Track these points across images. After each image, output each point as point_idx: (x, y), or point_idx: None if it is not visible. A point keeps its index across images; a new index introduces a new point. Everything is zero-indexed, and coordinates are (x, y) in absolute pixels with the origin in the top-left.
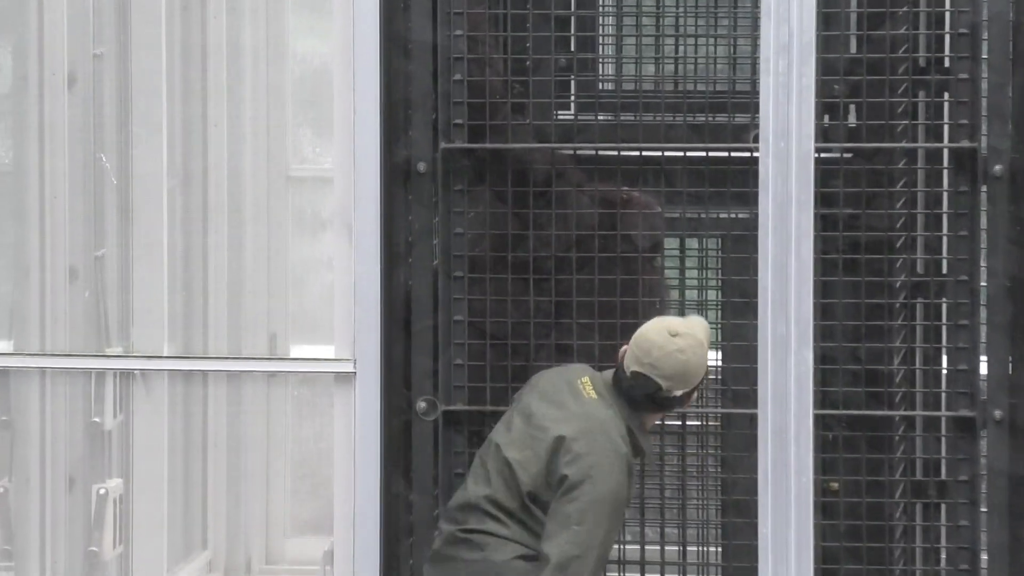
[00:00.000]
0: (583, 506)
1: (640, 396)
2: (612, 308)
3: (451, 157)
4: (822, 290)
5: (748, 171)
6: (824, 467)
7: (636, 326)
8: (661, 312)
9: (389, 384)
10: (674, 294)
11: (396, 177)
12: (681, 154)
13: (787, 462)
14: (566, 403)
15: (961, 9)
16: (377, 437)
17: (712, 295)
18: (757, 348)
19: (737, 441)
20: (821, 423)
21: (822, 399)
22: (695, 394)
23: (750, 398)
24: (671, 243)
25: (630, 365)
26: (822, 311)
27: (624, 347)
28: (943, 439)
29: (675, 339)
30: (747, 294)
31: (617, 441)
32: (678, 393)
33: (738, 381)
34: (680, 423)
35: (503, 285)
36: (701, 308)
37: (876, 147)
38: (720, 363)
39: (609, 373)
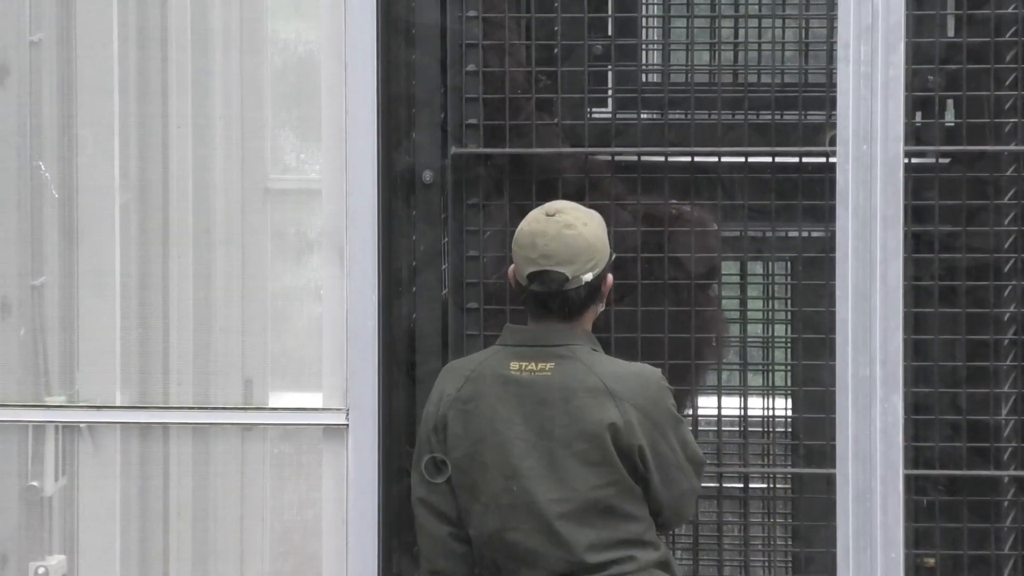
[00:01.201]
0: (680, 447)
1: (553, 303)
2: (658, 346)
3: (463, 165)
4: (914, 324)
5: (823, 180)
6: (917, 539)
7: (687, 369)
8: (718, 351)
9: (389, 439)
10: (733, 329)
11: (397, 189)
12: (742, 160)
13: (872, 533)
14: (539, 409)
15: None
16: (374, 504)
17: (780, 330)
18: (835, 395)
19: (811, 508)
20: (914, 485)
21: (915, 456)
22: (610, 276)
23: (826, 455)
24: (730, 268)
25: (523, 271)
26: (914, 349)
27: (509, 271)
28: None
29: (554, 218)
30: (822, 329)
31: (629, 370)
32: (589, 277)
33: (812, 435)
34: (741, 485)
35: (526, 320)
36: (767, 346)
37: (979, 150)
38: (790, 413)
39: (518, 328)
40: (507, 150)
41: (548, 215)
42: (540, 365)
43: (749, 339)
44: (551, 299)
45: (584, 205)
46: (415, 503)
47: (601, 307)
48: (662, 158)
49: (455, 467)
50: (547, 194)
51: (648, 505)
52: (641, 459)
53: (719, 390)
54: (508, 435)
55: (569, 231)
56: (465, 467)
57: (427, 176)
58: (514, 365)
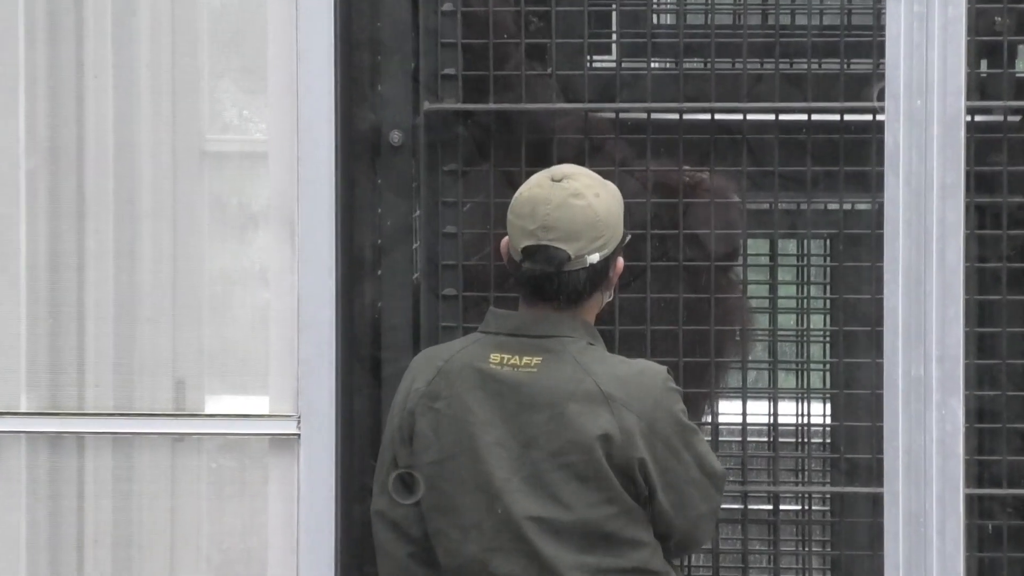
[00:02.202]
0: (693, 461)
1: (549, 287)
2: (671, 341)
3: (439, 123)
4: (977, 314)
5: (870, 142)
6: (982, 571)
7: (705, 368)
8: (742, 346)
9: (349, 452)
10: (761, 320)
11: (359, 153)
12: (771, 118)
13: (927, 564)
14: (522, 412)
15: None
16: (330, 530)
17: (816, 321)
18: (883, 399)
19: (853, 534)
20: (977, 507)
21: (978, 473)
22: (621, 260)
23: (872, 471)
24: (758, 247)
25: (518, 243)
26: (977, 344)
27: (502, 243)
28: None
29: (561, 184)
30: (867, 320)
31: (630, 368)
32: (595, 258)
33: (854, 446)
34: (771, 507)
35: (514, 308)
36: (801, 340)
37: None
38: (829, 421)
39: (504, 314)
40: (491, 106)
41: (554, 180)
42: (525, 360)
43: (780, 332)
44: (547, 281)
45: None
46: (374, 516)
47: (608, 296)
48: (676, 116)
49: (424, 475)
50: (539, 159)
51: (655, 528)
52: (643, 475)
53: (744, 393)
54: (485, 441)
55: (577, 201)
56: (434, 478)
57: (395, 137)
58: (495, 358)
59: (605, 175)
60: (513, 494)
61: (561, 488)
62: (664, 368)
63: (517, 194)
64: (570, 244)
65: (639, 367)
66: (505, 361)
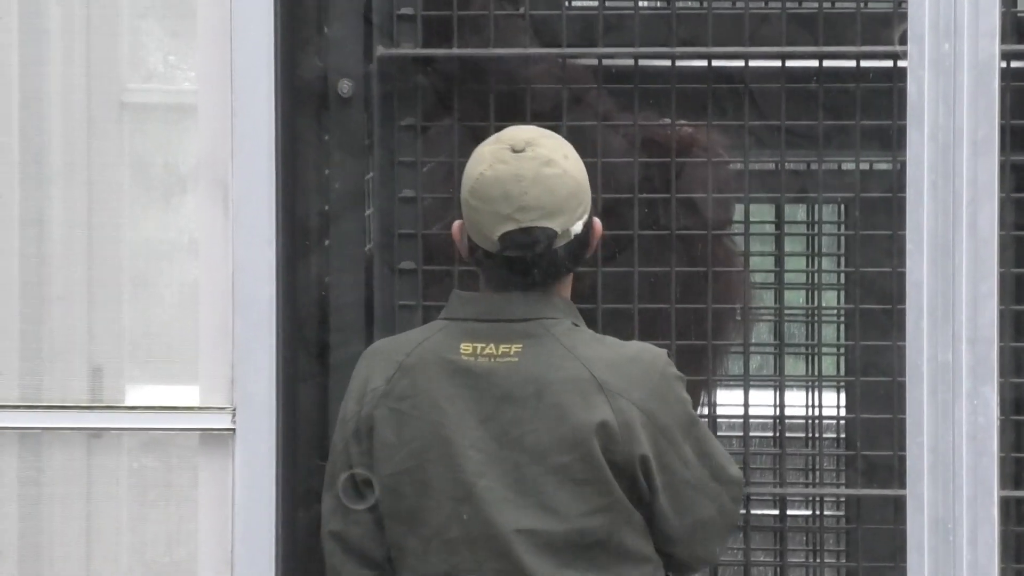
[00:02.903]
0: (695, 459)
1: (534, 270)
2: (662, 321)
3: (395, 71)
4: (1015, 290)
5: (890, 92)
6: None
7: (701, 352)
8: (743, 327)
9: (292, 450)
10: (765, 297)
11: (303, 105)
12: (777, 64)
13: (955, 574)
14: (502, 408)
15: None
16: (271, 540)
17: (829, 298)
18: (905, 387)
19: (872, 542)
20: (1015, 511)
21: (1015, 472)
22: (597, 221)
23: (893, 471)
24: (762, 212)
25: (493, 231)
26: (1015, 324)
27: (454, 228)
28: None
29: (526, 154)
30: (887, 296)
31: (625, 351)
32: (579, 228)
33: (872, 443)
34: (776, 512)
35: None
36: (811, 321)
37: None
38: (843, 413)
39: (472, 297)
40: (455, 51)
41: (515, 150)
42: (502, 348)
43: (787, 311)
44: (532, 265)
45: (558, 127)
46: (327, 539)
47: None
48: (668, 62)
49: (386, 488)
50: (510, 113)
51: (655, 538)
52: (645, 475)
53: (746, 382)
54: (460, 444)
55: (551, 170)
56: (399, 488)
57: (344, 87)
58: (466, 348)
59: (586, 132)
60: (496, 504)
61: (553, 494)
62: (663, 351)
63: (473, 174)
64: (555, 220)
65: (635, 350)
66: (479, 351)
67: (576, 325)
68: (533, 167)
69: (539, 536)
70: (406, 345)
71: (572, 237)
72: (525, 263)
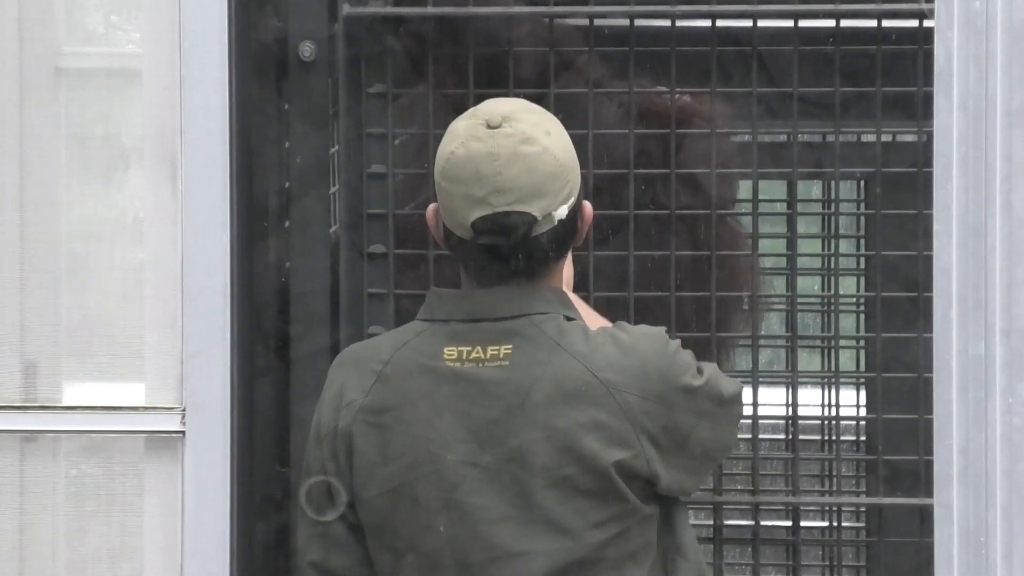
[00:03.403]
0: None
1: (514, 260)
2: (661, 310)
3: (363, 32)
4: None
5: (914, 56)
6: None
7: (705, 345)
8: (751, 318)
9: (249, 455)
10: (775, 284)
11: (260, 70)
12: (789, 25)
13: None
14: (496, 418)
15: None
16: (225, 555)
17: (848, 285)
18: (932, 385)
19: (895, 557)
20: None
21: None
22: (587, 204)
23: (919, 477)
24: (770, 189)
25: (465, 216)
26: None
27: (428, 212)
28: None
29: (502, 131)
30: (912, 283)
31: (623, 340)
32: (564, 213)
33: (894, 446)
34: (789, 524)
35: (459, 285)
36: (827, 310)
37: None
38: (863, 413)
39: (452, 295)
40: (429, 10)
41: (491, 126)
42: (490, 351)
43: (800, 300)
44: (511, 254)
45: (545, 95)
46: (307, 570)
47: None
48: (667, 22)
49: (370, 511)
50: (491, 79)
51: (661, 487)
52: (651, 468)
53: (755, 378)
54: (451, 461)
55: (529, 148)
56: (385, 510)
57: (306, 50)
58: (450, 352)
59: (576, 100)
60: (496, 525)
61: (557, 510)
62: (661, 329)
63: (445, 153)
64: (533, 204)
65: (633, 337)
66: (465, 356)
67: (570, 319)
68: (509, 145)
69: (543, 558)
70: (382, 351)
71: (556, 223)
72: (502, 252)
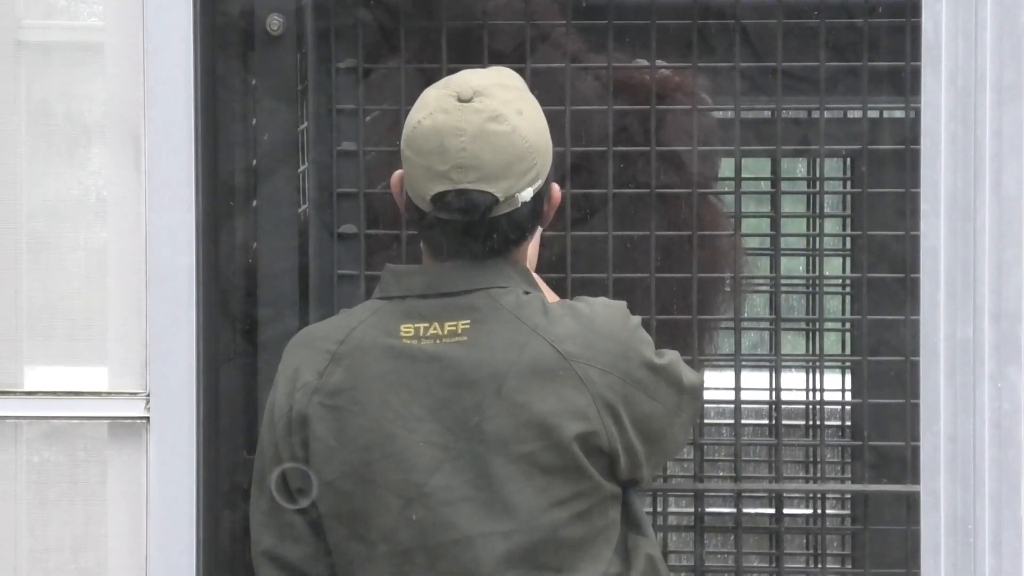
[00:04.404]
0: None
1: (473, 240)
2: (640, 292)
3: (333, 5)
4: None
5: (902, 29)
6: None
7: (686, 328)
8: (733, 299)
9: (216, 442)
10: (758, 265)
11: (226, 44)
12: None
13: None
14: (455, 395)
15: None
16: (191, 540)
17: (833, 266)
18: (918, 368)
19: (881, 544)
20: None
21: None
22: (556, 188)
23: (905, 463)
24: (754, 167)
25: (425, 189)
26: None
27: (394, 178)
28: None
29: (472, 105)
30: (899, 263)
31: (593, 314)
32: (529, 195)
33: (880, 432)
34: (773, 511)
35: (418, 261)
36: (811, 292)
37: None
38: (848, 398)
39: (408, 271)
40: None
41: (462, 99)
42: (448, 327)
43: (784, 281)
44: (470, 231)
45: (522, 70)
46: (258, 559)
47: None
48: None
49: (327, 494)
50: (465, 53)
51: (622, 470)
52: (611, 444)
53: (737, 362)
54: (409, 440)
55: (497, 127)
56: (343, 492)
57: (274, 23)
58: (406, 329)
59: (553, 75)
60: (455, 505)
61: (518, 488)
62: (621, 303)
63: (412, 122)
64: (496, 184)
65: (593, 309)
66: (422, 332)
67: (528, 293)
68: (477, 121)
69: (504, 539)
70: (337, 331)
71: (519, 205)
72: (463, 228)
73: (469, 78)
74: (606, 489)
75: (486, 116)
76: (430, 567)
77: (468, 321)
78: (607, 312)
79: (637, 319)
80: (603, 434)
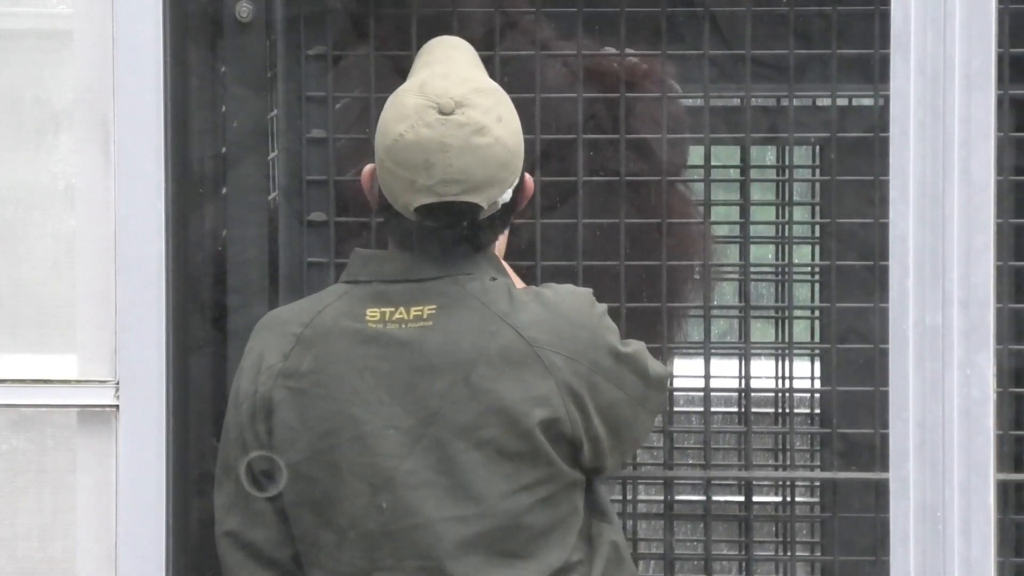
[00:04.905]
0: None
1: (451, 242)
2: (610, 280)
3: None
4: (1014, 243)
5: (871, 16)
6: None
7: (655, 316)
8: (703, 286)
9: (183, 428)
10: (727, 253)
11: (195, 31)
12: None
13: (945, 569)
14: (420, 380)
15: None
16: (160, 528)
17: (802, 253)
18: (887, 356)
19: (850, 532)
20: (1013, 498)
21: (1016, 453)
22: (528, 178)
23: (874, 451)
24: (723, 155)
25: (409, 200)
26: (1015, 282)
27: (364, 173)
28: None
29: (455, 118)
30: (868, 250)
31: (559, 302)
32: (508, 196)
33: (848, 419)
34: (742, 499)
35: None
36: (781, 280)
37: None
38: (817, 385)
39: (375, 255)
40: None
41: (443, 112)
42: (414, 311)
43: (753, 269)
44: (449, 238)
45: (491, 58)
46: (222, 540)
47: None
48: None
49: (291, 478)
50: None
51: (586, 459)
52: (582, 418)
53: (706, 350)
54: (374, 424)
55: (482, 139)
56: (307, 476)
57: (243, 10)
58: (372, 314)
59: (522, 62)
60: (419, 490)
61: (481, 473)
62: (587, 290)
63: (392, 132)
64: (480, 195)
65: (559, 295)
66: (388, 317)
67: (495, 279)
68: (462, 136)
69: (464, 524)
70: (303, 314)
71: (499, 207)
72: (441, 234)
73: (446, 85)
74: (569, 476)
75: (470, 130)
76: (393, 552)
77: (434, 306)
78: (573, 299)
79: (603, 306)
80: (567, 421)
